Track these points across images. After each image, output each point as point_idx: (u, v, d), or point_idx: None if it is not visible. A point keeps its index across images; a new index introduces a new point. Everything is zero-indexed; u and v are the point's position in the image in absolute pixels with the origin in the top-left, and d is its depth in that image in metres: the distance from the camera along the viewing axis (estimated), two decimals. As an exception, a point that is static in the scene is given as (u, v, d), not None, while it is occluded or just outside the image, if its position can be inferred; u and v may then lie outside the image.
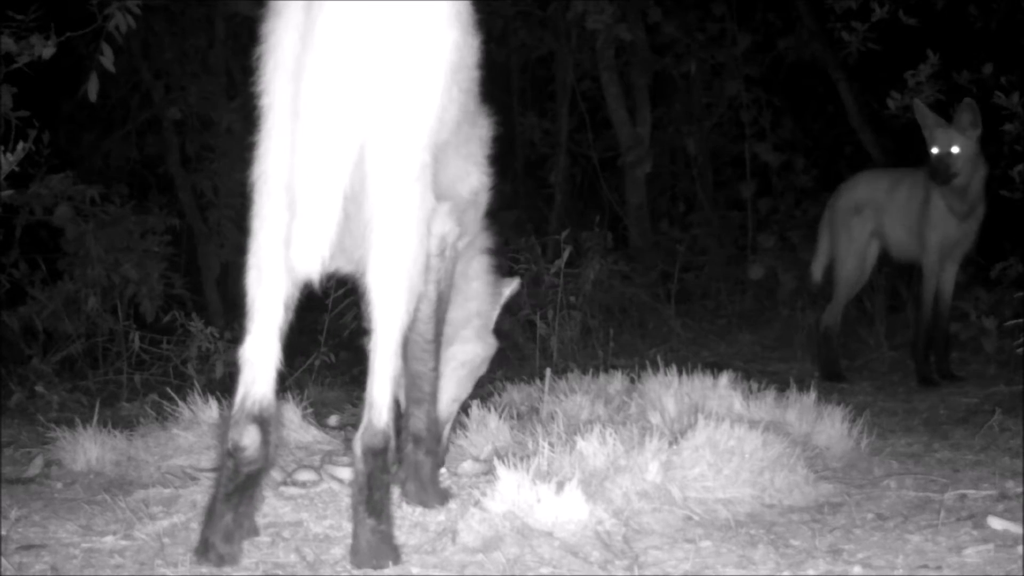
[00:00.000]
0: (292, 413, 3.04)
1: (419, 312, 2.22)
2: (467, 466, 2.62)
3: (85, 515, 2.34)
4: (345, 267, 2.13)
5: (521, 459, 2.27)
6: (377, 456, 1.89)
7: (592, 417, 3.08)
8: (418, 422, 2.34)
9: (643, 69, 7.17)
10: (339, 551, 2.01)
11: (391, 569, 1.89)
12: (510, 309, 5.30)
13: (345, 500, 2.30)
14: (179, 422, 3.03)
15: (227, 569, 1.91)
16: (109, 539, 2.13)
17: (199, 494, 2.39)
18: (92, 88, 3.87)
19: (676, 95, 7.59)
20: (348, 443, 2.86)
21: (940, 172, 4.34)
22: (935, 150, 4.36)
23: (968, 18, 5.70)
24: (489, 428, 2.89)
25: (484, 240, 2.56)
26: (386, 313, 1.91)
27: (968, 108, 4.35)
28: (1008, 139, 4.97)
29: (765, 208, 7.13)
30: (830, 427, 2.97)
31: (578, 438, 2.44)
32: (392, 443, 1.92)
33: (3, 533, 2.17)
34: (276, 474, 2.50)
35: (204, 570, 1.91)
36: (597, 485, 2.26)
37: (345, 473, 2.41)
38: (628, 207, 7.14)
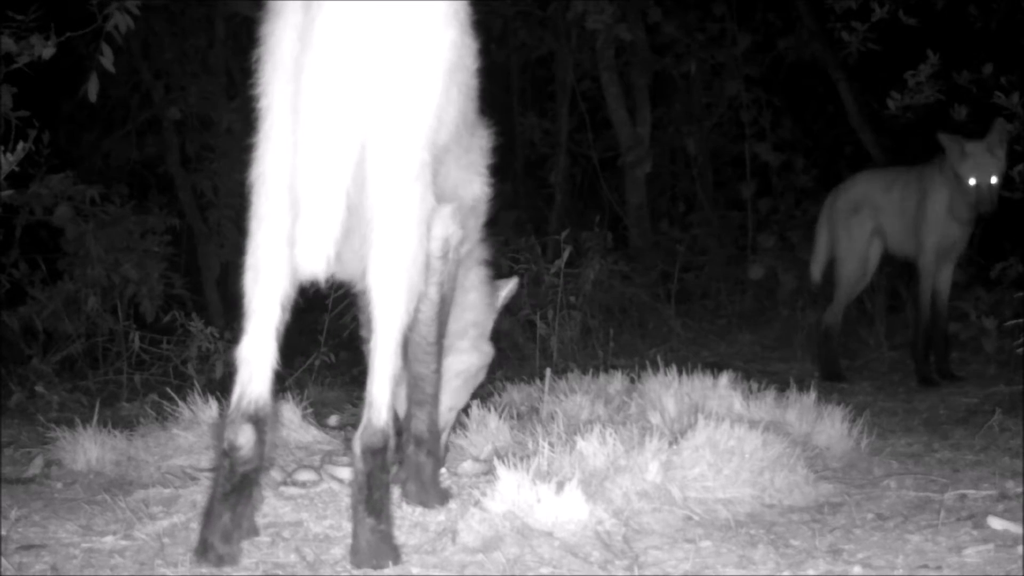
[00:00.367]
0: (292, 413, 3.04)
1: (421, 314, 2.22)
2: (467, 466, 2.62)
3: (85, 515, 2.34)
4: (339, 274, 2.14)
5: (521, 459, 2.27)
6: (376, 455, 1.89)
7: (592, 417, 3.08)
8: (420, 423, 2.34)
9: (643, 69, 7.17)
10: (339, 551, 2.01)
11: (391, 569, 1.89)
12: (510, 309, 5.31)
13: (345, 500, 2.30)
14: (179, 422, 3.03)
15: (227, 569, 1.91)
16: (109, 539, 2.13)
17: (199, 494, 2.39)
18: (92, 88, 3.87)
19: (676, 95, 7.59)
20: (348, 443, 2.86)
21: (985, 203, 4.27)
22: (973, 181, 4.29)
23: (968, 18, 5.69)
24: (489, 428, 2.89)
25: (482, 251, 2.57)
26: (386, 312, 1.91)
27: (1000, 128, 4.31)
28: (1008, 139, 4.96)
29: (765, 208, 7.14)
30: (830, 427, 2.97)
31: (578, 438, 2.44)
32: (391, 442, 1.92)
33: (3, 533, 2.17)
34: (276, 474, 2.50)
35: (204, 570, 1.91)
36: (597, 485, 2.26)
37: (345, 473, 2.41)
38: (628, 207, 7.14)
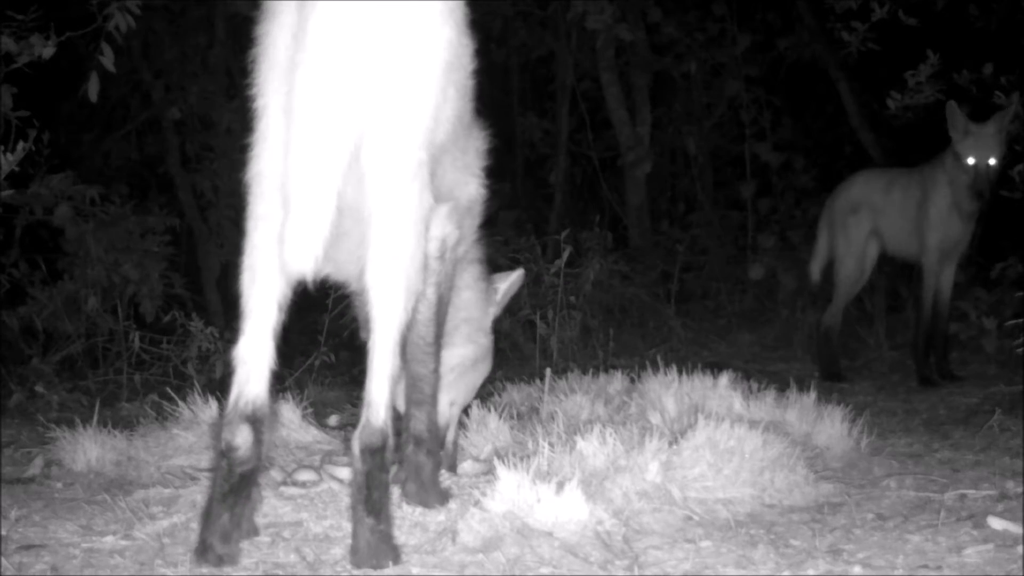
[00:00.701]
0: (292, 413, 3.04)
1: (419, 314, 2.22)
2: (467, 466, 2.62)
3: (85, 515, 2.34)
4: (335, 275, 2.13)
5: (521, 459, 2.27)
6: (375, 455, 1.89)
7: (592, 417, 3.08)
8: (419, 423, 2.34)
9: (643, 69, 7.17)
10: (339, 551, 2.01)
11: (391, 569, 1.89)
12: (511, 309, 5.32)
13: (345, 500, 2.30)
14: (179, 422, 3.03)
15: (227, 569, 1.91)
16: (109, 539, 2.13)
17: (199, 494, 2.38)
18: (92, 88, 3.87)
19: (676, 95, 7.59)
20: (348, 443, 2.86)
21: (980, 185, 4.22)
22: (972, 160, 4.25)
23: (968, 18, 5.70)
24: (489, 428, 2.89)
25: (477, 251, 2.56)
26: (384, 312, 1.91)
27: (1006, 115, 4.32)
28: (1008, 139, 4.96)
29: (765, 208, 7.14)
30: (830, 427, 2.97)
31: (578, 438, 2.44)
32: (390, 442, 1.92)
33: (3, 533, 2.17)
34: (276, 474, 2.50)
35: (204, 570, 1.91)
36: (597, 485, 2.26)
37: (345, 473, 2.41)
38: (628, 207, 7.14)
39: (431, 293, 2.28)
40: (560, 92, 7.68)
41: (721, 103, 7.41)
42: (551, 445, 2.45)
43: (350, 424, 3.29)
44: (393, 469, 2.04)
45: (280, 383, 2.01)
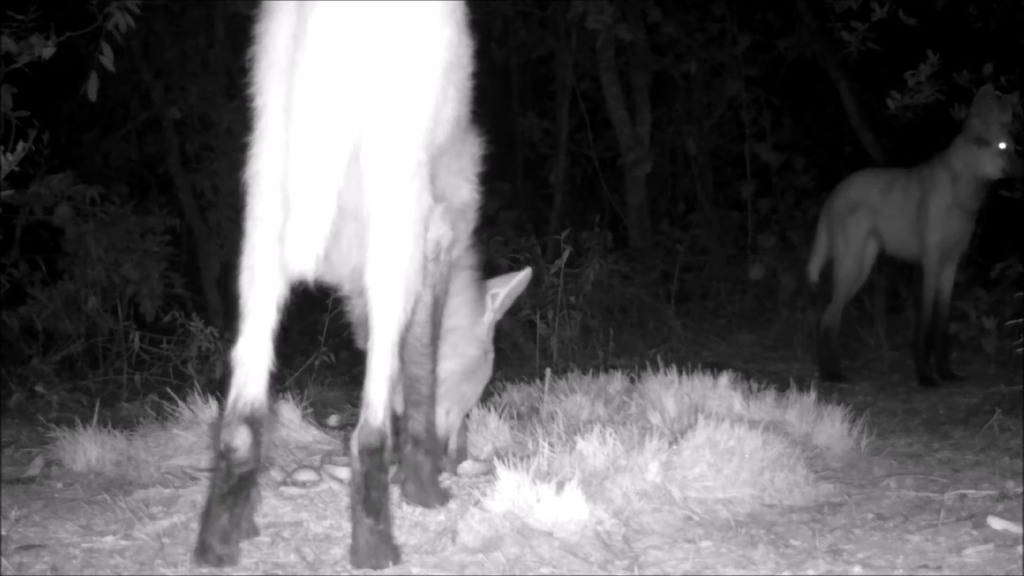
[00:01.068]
0: (292, 413, 3.04)
1: (416, 315, 2.22)
2: (467, 466, 2.62)
3: (85, 515, 2.34)
4: (327, 276, 2.13)
5: (521, 459, 2.27)
6: (374, 455, 1.89)
7: (592, 417, 3.08)
8: (417, 424, 2.34)
9: (643, 69, 7.17)
10: (339, 551, 2.01)
11: (391, 569, 1.89)
12: (510, 309, 5.31)
13: (345, 500, 2.30)
14: (179, 422, 3.03)
15: (226, 569, 1.91)
16: (109, 539, 2.13)
17: (199, 494, 2.38)
18: (92, 88, 3.87)
19: (676, 95, 7.59)
20: (348, 443, 2.86)
21: (1015, 168, 4.34)
22: (1003, 145, 4.35)
23: (968, 18, 5.70)
24: (489, 428, 2.89)
25: (469, 258, 2.55)
26: (383, 312, 1.91)
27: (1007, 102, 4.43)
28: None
29: (765, 208, 7.14)
30: (830, 427, 2.97)
31: (578, 438, 2.44)
32: (389, 442, 1.92)
33: (3, 533, 2.17)
34: (276, 474, 2.50)
35: (203, 570, 1.91)
36: (597, 485, 2.26)
37: (345, 473, 2.41)
38: (628, 207, 7.14)
39: (427, 295, 2.28)
40: (560, 92, 7.68)
41: (721, 103, 7.41)
42: (551, 445, 2.45)
43: (350, 424, 3.28)
44: (392, 469, 2.04)
45: (280, 383, 2.01)
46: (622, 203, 7.31)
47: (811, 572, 1.88)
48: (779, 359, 5.37)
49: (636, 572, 1.89)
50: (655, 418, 2.95)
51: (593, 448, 2.40)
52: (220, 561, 1.91)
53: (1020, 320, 4.74)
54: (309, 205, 1.78)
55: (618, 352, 5.18)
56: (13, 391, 4.38)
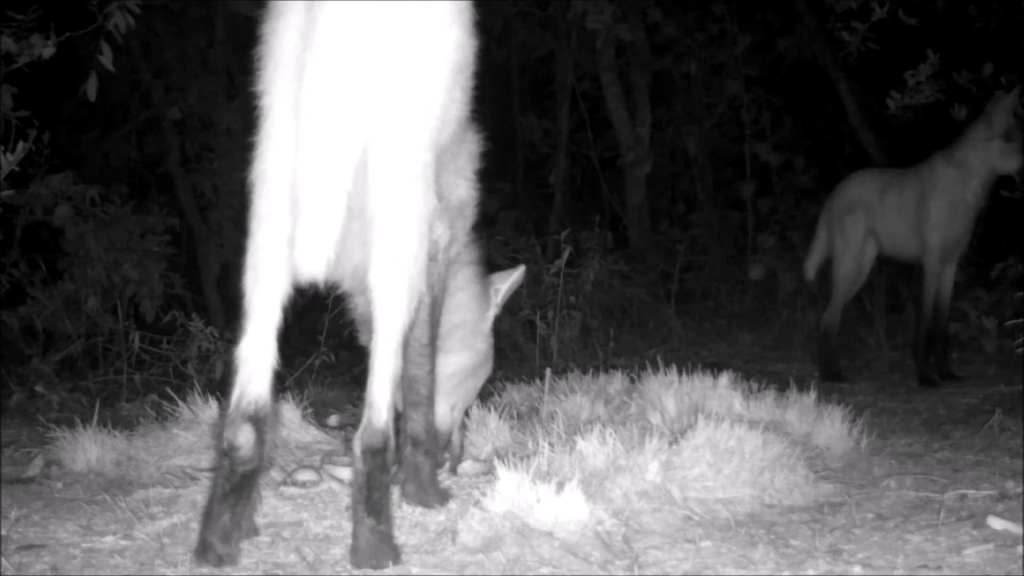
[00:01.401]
0: (292, 413, 3.04)
1: (417, 315, 2.22)
2: (467, 466, 2.62)
3: (85, 515, 2.34)
4: (329, 274, 2.13)
5: (521, 459, 2.27)
6: (376, 456, 1.89)
7: (592, 417, 3.08)
8: (416, 424, 2.34)
9: (643, 69, 7.17)
10: (339, 551, 2.01)
11: (391, 569, 1.89)
12: (510, 309, 5.32)
13: (345, 500, 2.31)
14: (179, 422, 3.03)
15: (227, 569, 1.91)
16: (109, 539, 2.13)
17: (199, 494, 2.38)
18: (92, 88, 3.87)
19: (676, 95, 7.59)
20: (348, 443, 2.86)
21: None
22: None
23: (968, 18, 5.70)
24: (489, 428, 2.89)
25: (470, 253, 2.56)
26: (387, 312, 1.91)
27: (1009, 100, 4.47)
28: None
29: (765, 208, 7.14)
30: (830, 427, 2.96)
31: (578, 438, 2.44)
32: (391, 443, 1.92)
33: (3, 533, 2.17)
34: (276, 474, 2.50)
35: (204, 570, 1.91)
36: (597, 485, 2.26)
37: (345, 473, 2.41)
38: (628, 207, 7.14)
39: (426, 294, 2.28)
40: (560, 92, 7.68)
41: (721, 103, 7.41)
42: (551, 445, 2.45)
43: (350, 424, 3.29)
44: (392, 469, 2.04)
45: (280, 383, 2.01)
46: (622, 203, 7.31)
47: (811, 572, 1.88)
48: (779, 359, 5.37)
49: (636, 572, 1.89)
50: (655, 418, 2.95)
51: (593, 448, 2.40)
52: (220, 561, 1.91)
53: (1020, 320, 4.74)
54: (320, 209, 1.78)
55: (618, 352, 5.18)
56: (13, 391, 4.38)
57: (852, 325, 5.51)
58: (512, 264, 4.53)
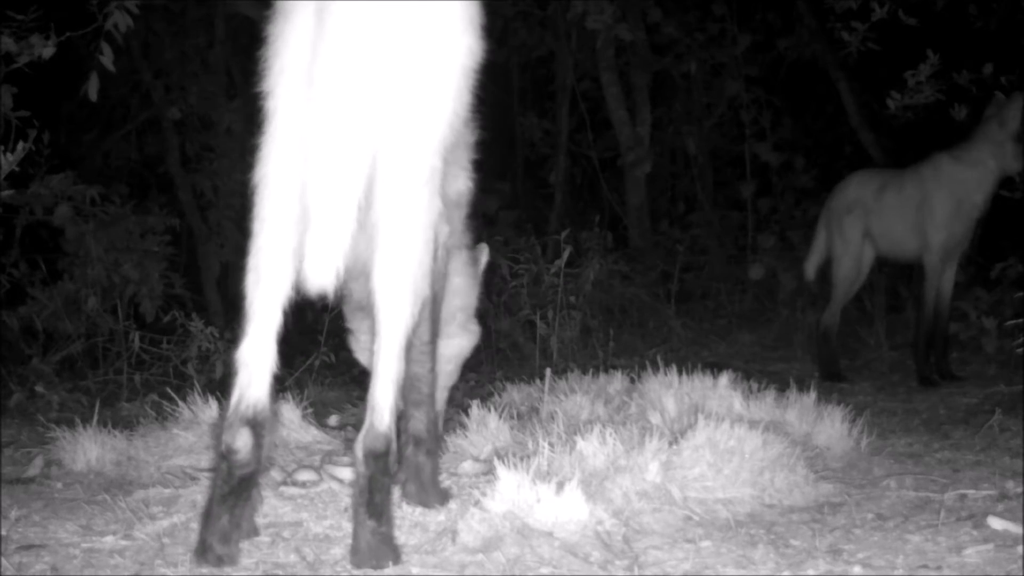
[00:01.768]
0: (292, 413, 3.04)
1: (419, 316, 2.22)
2: (467, 466, 2.62)
3: (85, 515, 2.34)
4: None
5: (521, 459, 2.27)
6: (379, 459, 1.89)
7: (592, 417, 3.08)
8: (418, 424, 2.34)
9: (643, 69, 7.17)
10: (339, 551, 2.01)
11: (391, 569, 1.89)
12: (510, 309, 5.32)
13: (345, 500, 2.31)
14: (179, 422, 3.03)
15: (226, 569, 1.91)
16: (109, 539, 2.13)
17: (199, 494, 2.39)
18: (92, 88, 3.87)
19: (676, 95, 7.59)
20: (348, 443, 2.86)
21: None
22: None
23: (968, 18, 5.70)
24: (489, 428, 2.89)
25: (463, 238, 2.56)
26: (391, 316, 1.90)
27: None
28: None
29: (765, 208, 7.14)
30: (830, 427, 2.97)
31: (578, 438, 2.44)
32: (394, 446, 1.92)
33: (3, 533, 2.17)
34: (276, 474, 2.50)
35: (203, 570, 1.91)
36: (597, 485, 2.26)
37: (345, 473, 2.41)
38: (628, 207, 7.14)
39: (428, 296, 2.29)
40: (560, 92, 7.68)
41: (721, 103, 7.41)
42: (551, 445, 2.45)
43: (350, 424, 3.29)
44: (392, 470, 2.04)
45: (280, 383, 2.00)
46: (622, 203, 7.31)
47: (811, 572, 1.88)
48: (779, 359, 5.37)
49: (636, 572, 1.89)
50: (655, 418, 2.95)
51: (593, 448, 2.40)
52: (220, 561, 1.91)
53: (1020, 320, 4.74)
54: (330, 220, 1.77)
55: (618, 352, 5.18)
56: (13, 391, 4.37)
57: (852, 325, 5.51)
58: (513, 264, 4.51)
